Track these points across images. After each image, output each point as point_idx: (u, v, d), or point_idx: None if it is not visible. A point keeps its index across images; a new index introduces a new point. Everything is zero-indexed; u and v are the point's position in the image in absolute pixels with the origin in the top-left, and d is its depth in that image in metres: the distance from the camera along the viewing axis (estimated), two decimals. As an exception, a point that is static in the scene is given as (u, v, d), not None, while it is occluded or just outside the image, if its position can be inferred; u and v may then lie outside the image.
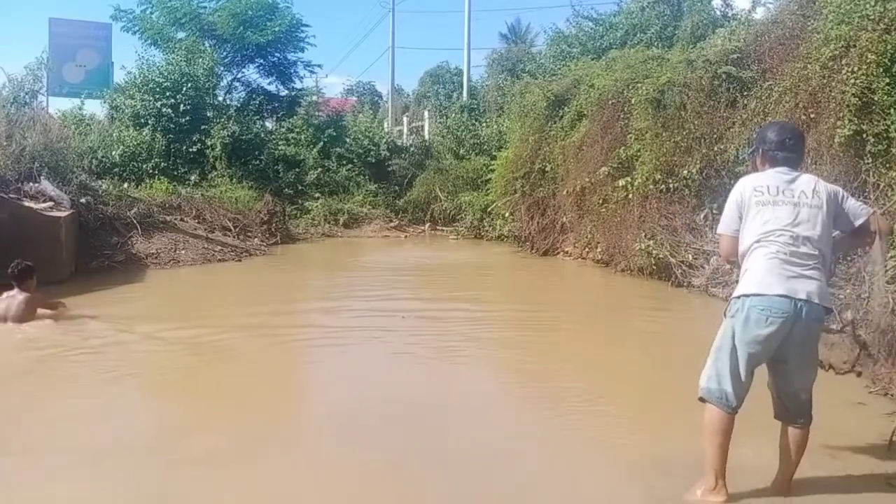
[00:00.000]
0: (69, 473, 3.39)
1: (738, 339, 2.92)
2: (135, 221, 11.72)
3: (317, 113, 20.32)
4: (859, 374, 3.23)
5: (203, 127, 17.19)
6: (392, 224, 18.13)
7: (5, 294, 6.37)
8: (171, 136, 16.94)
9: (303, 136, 19.30)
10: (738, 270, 3.23)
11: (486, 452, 3.67)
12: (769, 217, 2.95)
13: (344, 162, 19.39)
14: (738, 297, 2.99)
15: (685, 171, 8.95)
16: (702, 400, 3.03)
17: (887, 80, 6.94)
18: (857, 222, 3.05)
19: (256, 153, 17.78)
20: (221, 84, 20.03)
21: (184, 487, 3.28)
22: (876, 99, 7.00)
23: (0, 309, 6.24)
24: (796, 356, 2.93)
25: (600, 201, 10.63)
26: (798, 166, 3.10)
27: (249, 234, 14.38)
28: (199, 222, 13.54)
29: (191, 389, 4.98)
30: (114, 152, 16.10)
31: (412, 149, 21.53)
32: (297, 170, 18.27)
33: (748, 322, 2.89)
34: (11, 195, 9.57)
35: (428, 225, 18.28)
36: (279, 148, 18.57)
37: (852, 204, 3.09)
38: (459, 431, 4.03)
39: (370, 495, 3.27)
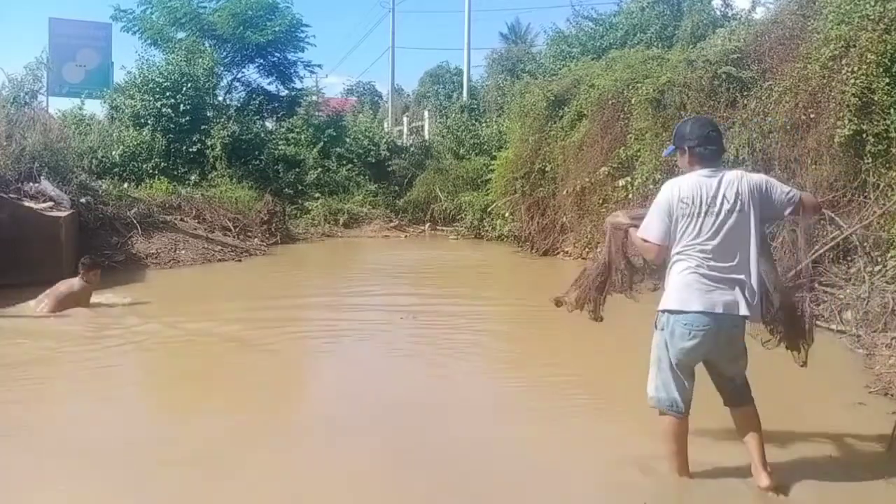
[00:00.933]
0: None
1: (671, 350, 3.06)
2: (135, 221, 11.73)
3: (317, 113, 20.32)
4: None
5: (203, 127, 17.19)
6: (392, 224, 18.13)
7: (69, 280, 7.20)
8: (171, 136, 16.94)
9: (303, 136, 19.30)
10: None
11: (484, 451, 3.67)
12: (690, 230, 3.00)
13: (344, 162, 19.38)
14: (663, 312, 3.10)
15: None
16: (657, 409, 3.18)
17: (887, 80, 6.95)
18: (787, 211, 3.09)
19: (256, 153, 17.78)
20: (221, 84, 20.05)
21: (177, 482, 3.30)
22: (876, 99, 7.01)
23: (62, 289, 7.00)
24: (724, 356, 3.11)
25: (600, 201, 10.63)
26: (720, 160, 3.12)
27: (249, 234, 14.38)
28: (199, 222, 13.54)
29: (190, 387, 4.99)
30: (114, 152, 16.10)
31: (412, 149, 21.54)
32: (297, 170, 18.27)
33: (674, 336, 3.04)
34: (11, 195, 9.57)
35: (428, 225, 18.28)
36: (279, 148, 18.57)
37: (779, 194, 3.08)
38: (455, 430, 4.02)
39: (364, 491, 3.28)
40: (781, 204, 3.06)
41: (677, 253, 3.04)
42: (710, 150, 3.05)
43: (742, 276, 2.98)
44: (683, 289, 2.99)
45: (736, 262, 2.97)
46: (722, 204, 2.96)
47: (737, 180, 3.00)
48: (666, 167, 9.27)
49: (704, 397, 3.25)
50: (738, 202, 2.97)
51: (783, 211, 3.08)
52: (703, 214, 2.97)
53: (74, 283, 7.16)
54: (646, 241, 3.12)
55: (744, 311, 2.97)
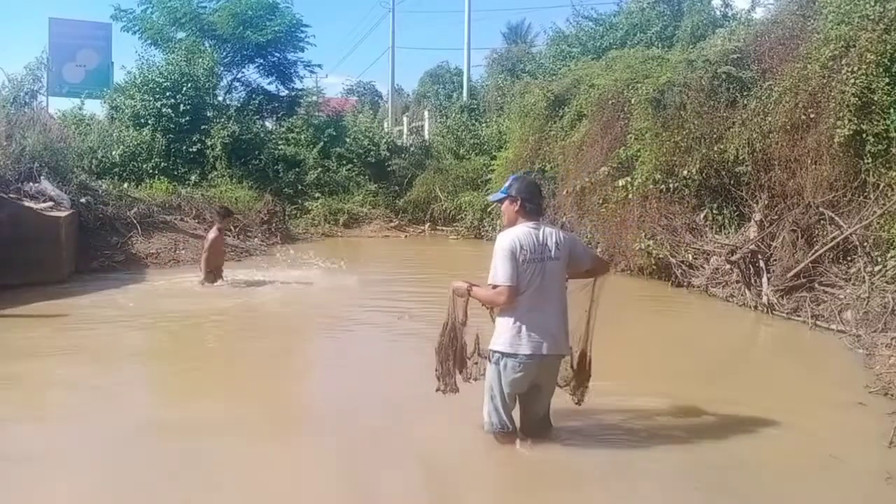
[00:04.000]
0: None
1: (503, 382, 3.53)
2: (135, 221, 11.72)
3: (317, 113, 20.30)
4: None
5: (203, 127, 17.19)
6: (392, 224, 18.11)
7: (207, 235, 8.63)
8: (171, 136, 16.93)
9: (303, 136, 19.29)
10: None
11: (480, 449, 3.67)
12: (524, 277, 3.40)
13: (344, 162, 19.37)
14: (496, 353, 3.52)
15: (685, 171, 8.95)
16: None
17: (887, 80, 6.95)
18: (585, 267, 3.63)
19: (256, 153, 17.77)
20: (221, 84, 20.02)
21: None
22: (876, 99, 7.01)
23: (205, 246, 8.52)
24: (545, 385, 3.61)
25: (600, 201, 10.62)
26: (540, 216, 3.58)
27: (249, 234, 14.37)
28: (199, 222, 13.53)
29: (191, 383, 4.99)
30: (114, 152, 16.10)
31: (412, 149, 21.52)
32: (297, 170, 18.26)
33: (506, 370, 3.50)
34: (11, 195, 9.56)
35: (428, 225, 18.27)
36: (279, 148, 18.55)
37: (581, 250, 3.68)
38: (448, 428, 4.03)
39: (358, 489, 3.28)
40: (583, 259, 3.63)
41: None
42: (535, 205, 3.55)
43: (560, 319, 3.51)
44: (516, 334, 3.43)
45: (556, 306, 3.49)
46: (545, 252, 3.44)
47: (555, 234, 3.52)
48: (666, 167, 9.29)
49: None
50: (558, 250, 3.47)
51: (584, 266, 3.62)
52: (535, 261, 3.41)
53: (210, 233, 8.46)
54: (496, 286, 3.42)
55: (563, 349, 3.55)
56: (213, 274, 8.46)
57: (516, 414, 3.66)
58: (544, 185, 12.85)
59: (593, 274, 3.70)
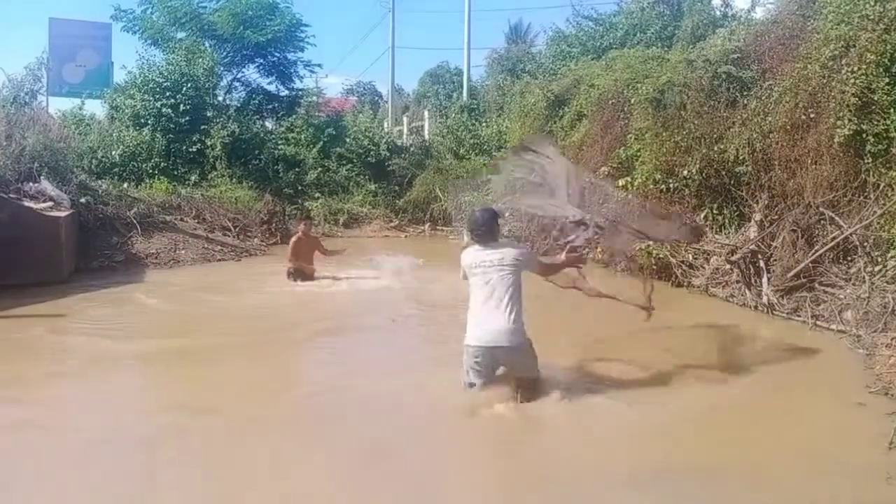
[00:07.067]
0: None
1: (466, 364, 4.33)
2: (135, 221, 11.73)
3: (317, 113, 20.30)
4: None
5: (203, 127, 17.18)
6: (392, 224, 18.12)
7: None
8: (171, 135, 16.92)
9: (303, 136, 19.27)
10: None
11: (477, 450, 3.67)
12: (472, 283, 4.33)
13: (344, 162, 19.36)
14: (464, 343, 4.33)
15: (685, 171, 8.94)
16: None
17: (887, 80, 6.94)
18: (536, 269, 4.59)
19: (256, 153, 17.77)
20: (221, 84, 20.00)
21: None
22: (876, 99, 7.00)
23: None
24: (514, 367, 4.31)
25: (600, 201, 10.61)
26: (487, 243, 4.36)
27: (249, 234, 14.38)
28: (199, 222, 13.54)
29: (190, 381, 4.99)
30: (114, 152, 16.09)
31: (412, 149, 21.52)
32: (297, 170, 18.25)
33: (468, 356, 4.30)
34: (11, 195, 9.57)
35: (428, 225, 18.26)
36: (279, 148, 18.54)
37: (531, 258, 4.56)
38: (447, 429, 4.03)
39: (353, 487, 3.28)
40: (534, 263, 4.55)
41: (470, 301, 4.34)
42: (478, 234, 4.39)
43: (508, 314, 4.18)
44: (471, 328, 4.28)
45: (503, 305, 4.18)
46: (490, 264, 4.26)
47: (500, 252, 4.30)
48: (666, 167, 9.29)
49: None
50: (501, 263, 4.25)
51: (536, 268, 4.59)
52: (477, 273, 4.29)
53: (293, 238, 9.45)
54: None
55: (512, 340, 4.18)
56: (298, 273, 9.17)
57: None
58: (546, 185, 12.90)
59: (544, 275, 4.83)
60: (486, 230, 4.38)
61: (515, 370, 4.30)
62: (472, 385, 4.32)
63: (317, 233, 16.46)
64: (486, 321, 4.20)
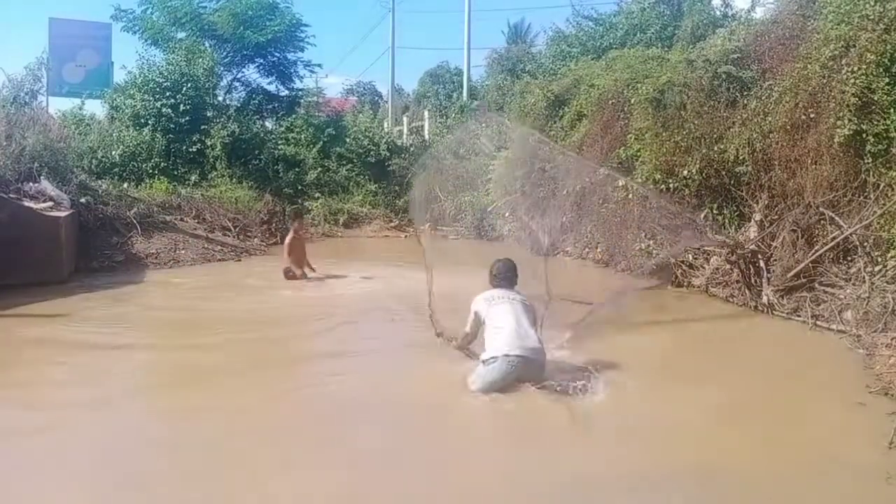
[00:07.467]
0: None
1: (497, 371, 4.69)
2: (135, 221, 11.72)
3: (317, 113, 20.28)
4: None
5: (203, 127, 17.16)
6: (392, 224, 18.11)
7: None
8: (171, 136, 16.90)
9: (303, 136, 19.26)
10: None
11: (478, 450, 3.67)
12: (498, 310, 4.92)
13: (344, 162, 19.35)
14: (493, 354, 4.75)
15: (685, 171, 8.94)
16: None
17: (887, 80, 6.94)
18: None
19: (256, 153, 17.75)
20: (221, 84, 19.97)
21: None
22: (876, 99, 7.00)
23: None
24: (532, 378, 4.65)
25: (600, 201, 10.62)
26: (511, 286, 5.16)
27: (249, 234, 14.37)
28: (199, 222, 13.53)
29: (190, 381, 4.99)
30: (114, 152, 16.07)
31: (412, 149, 21.50)
32: (297, 170, 18.24)
33: (504, 364, 4.65)
34: (11, 195, 9.56)
35: (428, 225, 18.24)
36: (279, 148, 18.53)
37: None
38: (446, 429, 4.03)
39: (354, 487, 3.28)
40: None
41: None
42: (503, 279, 5.18)
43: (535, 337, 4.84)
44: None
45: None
46: (510, 298, 4.99)
47: (520, 294, 5.09)
48: (666, 167, 9.29)
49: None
50: (523, 301, 4.97)
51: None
52: (502, 304, 4.95)
53: (287, 237, 9.58)
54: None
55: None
56: (296, 272, 9.32)
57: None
58: (544, 185, 12.89)
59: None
60: (513, 275, 5.20)
61: (532, 380, 4.64)
62: (490, 391, 4.51)
63: (317, 233, 16.53)
64: (524, 339, 4.68)
